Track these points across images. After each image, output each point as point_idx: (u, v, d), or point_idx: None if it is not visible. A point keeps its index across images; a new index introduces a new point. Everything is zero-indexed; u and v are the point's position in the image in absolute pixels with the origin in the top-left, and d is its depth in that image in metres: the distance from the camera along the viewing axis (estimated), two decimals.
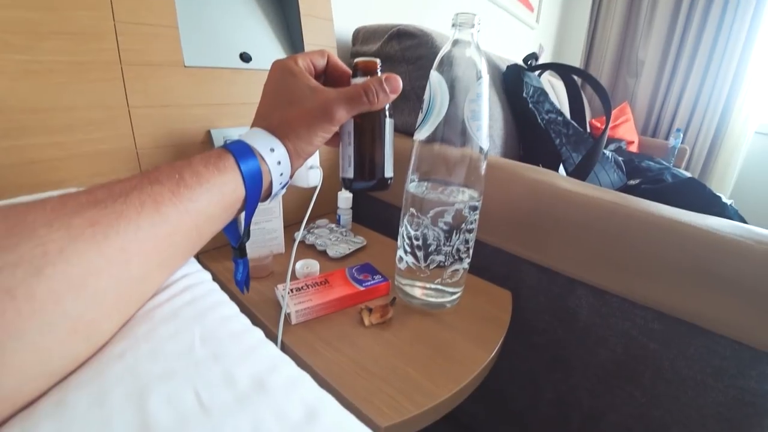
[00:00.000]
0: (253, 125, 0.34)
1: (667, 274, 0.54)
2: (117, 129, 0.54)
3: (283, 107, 0.33)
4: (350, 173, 0.37)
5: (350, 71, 0.37)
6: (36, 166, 0.48)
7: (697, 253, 0.51)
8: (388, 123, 0.37)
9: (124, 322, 0.26)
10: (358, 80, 0.35)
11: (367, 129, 0.36)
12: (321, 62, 0.36)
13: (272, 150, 0.31)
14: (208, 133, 0.64)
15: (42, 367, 0.20)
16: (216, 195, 0.28)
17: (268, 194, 0.33)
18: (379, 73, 0.36)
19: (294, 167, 0.34)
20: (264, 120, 0.34)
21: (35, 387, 0.20)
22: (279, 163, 0.32)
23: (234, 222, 0.34)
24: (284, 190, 0.36)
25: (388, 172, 0.38)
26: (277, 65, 0.34)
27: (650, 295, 0.55)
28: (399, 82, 0.35)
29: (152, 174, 0.26)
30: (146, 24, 0.56)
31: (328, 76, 0.38)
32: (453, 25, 0.47)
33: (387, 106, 0.36)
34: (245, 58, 0.69)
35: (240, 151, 0.30)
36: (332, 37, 0.84)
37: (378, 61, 0.36)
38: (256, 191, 0.31)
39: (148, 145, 0.58)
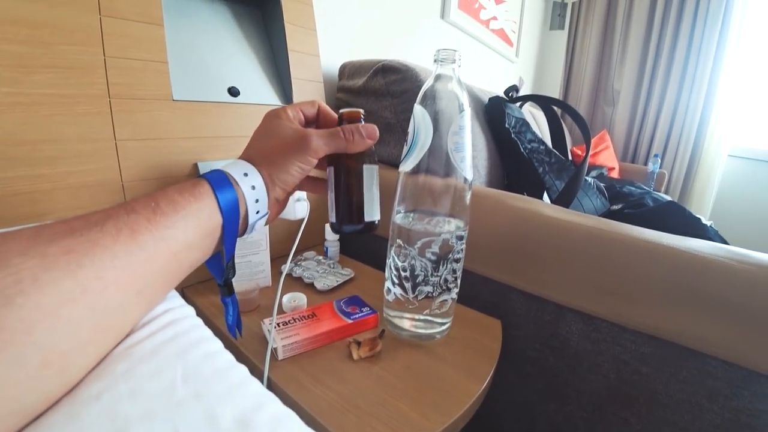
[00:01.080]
0: None
1: (653, 297, 0.54)
2: (103, 161, 0.54)
3: (263, 141, 0.35)
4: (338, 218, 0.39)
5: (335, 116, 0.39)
6: (19, 198, 0.47)
7: (681, 275, 0.52)
8: (374, 169, 0.39)
9: (100, 358, 0.25)
10: None
11: (349, 175, 0.38)
12: (311, 111, 0.38)
13: (246, 174, 0.32)
14: (195, 166, 0.64)
15: (11, 404, 0.19)
16: (192, 221, 0.28)
17: (246, 223, 0.33)
18: (363, 122, 0.39)
19: (271, 196, 0.34)
20: (244, 154, 0.35)
21: (4, 426, 0.19)
22: (253, 188, 0.32)
23: (218, 256, 0.34)
24: (264, 221, 0.36)
25: (374, 216, 0.40)
26: (267, 114, 0.37)
27: (638, 318, 0.56)
28: (375, 130, 0.38)
29: (129, 204, 0.26)
30: (136, 59, 0.57)
31: (319, 123, 0.39)
32: (435, 61, 0.49)
33: (372, 152, 0.39)
34: (233, 92, 0.70)
35: (215, 178, 0.31)
36: (319, 72, 0.86)
37: (361, 111, 0.39)
38: (233, 217, 0.31)
39: (134, 178, 0.57)
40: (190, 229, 0.28)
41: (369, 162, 0.39)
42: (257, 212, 0.33)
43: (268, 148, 0.34)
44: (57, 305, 0.21)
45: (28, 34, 0.47)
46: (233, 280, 0.61)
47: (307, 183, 0.40)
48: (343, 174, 0.38)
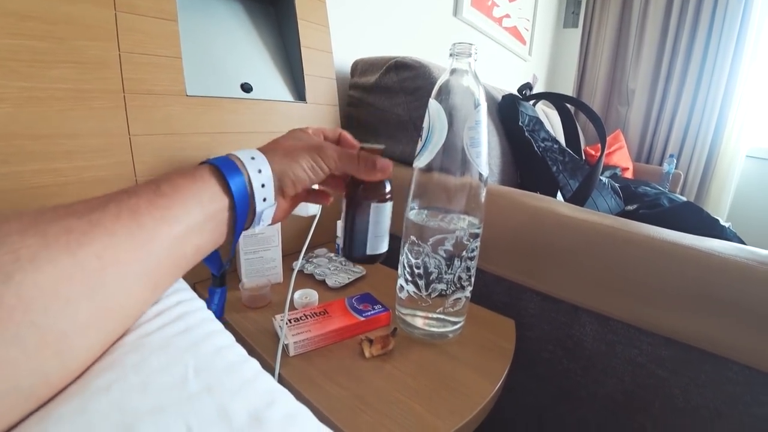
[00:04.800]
0: None
1: (670, 299, 0.53)
2: (117, 156, 0.54)
3: (280, 140, 0.36)
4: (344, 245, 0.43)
5: (359, 145, 0.40)
6: (34, 192, 0.48)
7: (700, 277, 0.51)
8: (385, 207, 0.40)
9: (103, 344, 0.25)
10: None
11: (357, 208, 0.40)
12: (332, 135, 0.40)
13: (253, 158, 0.32)
14: None
15: (9, 382, 0.19)
16: (192, 201, 0.28)
17: (254, 212, 0.33)
18: None
19: (278, 187, 0.34)
20: (258, 148, 0.35)
21: (4, 406, 0.19)
22: (260, 171, 0.32)
23: (216, 252, 0.33)
24: (270, 212, 0.35)
25: (378, 249, 0.41)
26: (290, 130, 0.38)
27: (655, 320, 0.54)
28: (389, 165, 0.38)
29: (132, 188, 0.27)
30: (151, 54, 0.57)
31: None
32: (451, 55, 0.48)
33: (388, 189, 0.40)
34: (246, 88, 0.70)
35: (221, 161, 0.31)
36: (331, 69, 0.86)
37: (382, 148, 0.39)
38: (242, 198, 0.31)
39: (147, 173, 0.57)
40: (191, 211, 0.28)
41: (379, 200, 0.40)
42: (264, 200, 0.33)
43: (281, 144, 0.35)
44: (54, 283, 0.20)
45: (45, 29, 0.47)
46: (248, 275, 0.62)
47: (313, 194, 0.42)
48: (353, 207, 0.40)
